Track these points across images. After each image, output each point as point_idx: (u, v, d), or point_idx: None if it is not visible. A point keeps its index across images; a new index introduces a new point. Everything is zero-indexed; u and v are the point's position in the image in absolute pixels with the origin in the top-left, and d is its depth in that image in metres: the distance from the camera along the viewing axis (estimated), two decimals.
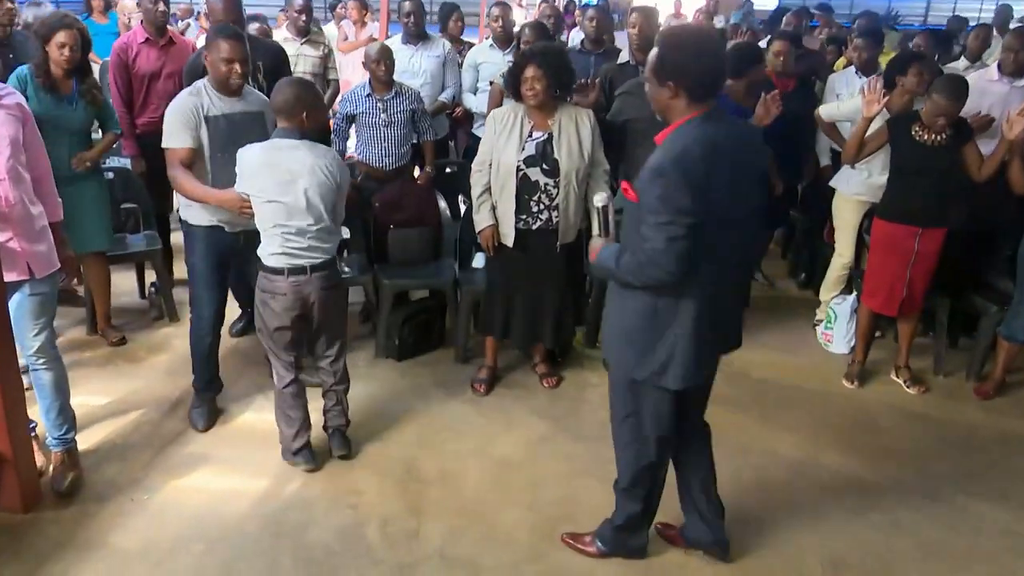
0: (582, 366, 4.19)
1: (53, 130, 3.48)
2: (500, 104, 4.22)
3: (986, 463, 3.55)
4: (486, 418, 3.72)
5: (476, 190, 3.64)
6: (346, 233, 4.21)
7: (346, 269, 4.25)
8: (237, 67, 3.25)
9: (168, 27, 4.65)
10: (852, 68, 5.01)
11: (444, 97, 5.28)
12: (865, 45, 4.92)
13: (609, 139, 3.70)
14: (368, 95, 4.40)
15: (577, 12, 8.29)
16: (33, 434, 3.11)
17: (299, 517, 3.00)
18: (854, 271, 4.49)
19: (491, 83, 4.93)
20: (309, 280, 3.06)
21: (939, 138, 3.76)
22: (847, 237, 4.46)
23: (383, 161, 4.48)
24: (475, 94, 5.28)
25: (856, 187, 4.33)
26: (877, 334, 4.40)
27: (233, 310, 3.97)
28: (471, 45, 6.04)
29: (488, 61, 5.23)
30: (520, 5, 10.19)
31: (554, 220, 3.59)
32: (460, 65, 5.39)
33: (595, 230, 2.73)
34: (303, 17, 5.23)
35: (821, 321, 4.61)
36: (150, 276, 4.67)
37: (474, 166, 3.66)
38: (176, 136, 3.24)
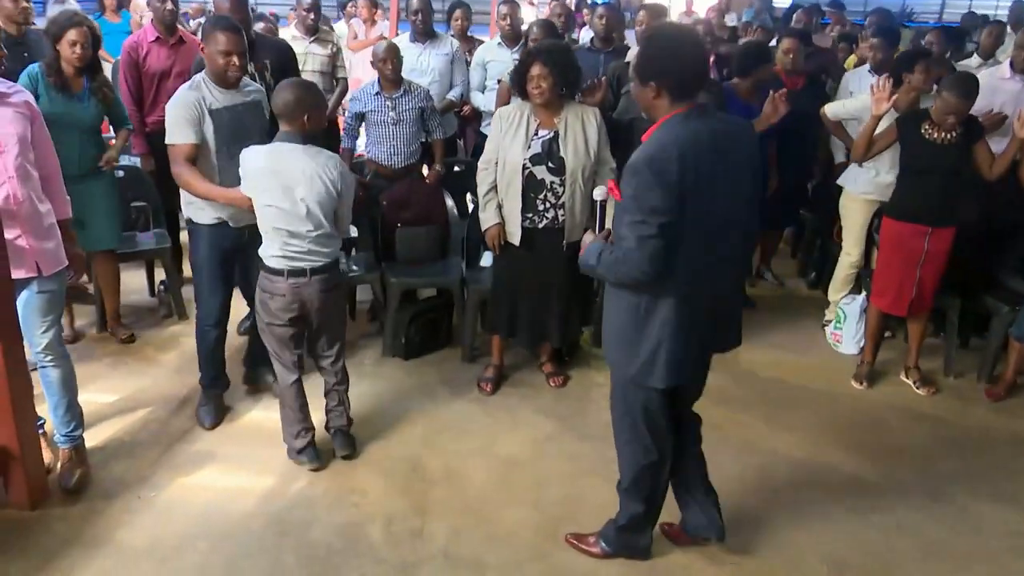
0: (589, 365, 4.18)
1: (64, 128, 3.50)
2: (508, 102, 4.21)
3: (993, 464, 3.51)
4: (492, 417, 3.72)
5: (482, 188, 3.63)
6: (354, 231, 4.21)
7: (353, 267, 4.26)
8: (235, 59, 3.20)
9: (179, 26, 4.67)
10: (866, 67, 4.87)
11: (452, 95, 5.28)
12: (880, 45, 4.81)
13: (616, 137, 3.68)
14: (377, 93, 4.40)
15: (586, 11, 8.25)
16: (41, 431, 3.13)
17: (303, 515, 3.01)
18: (863, 270, 4.45)
19: (499, 81, 4.92)
20: (309, 283, 3.06)
21: (949, 136, 3.73)
22: (854, 236, 4.42)
23: (392, 159, 4.47)
24: (483, 92, 5.27)
25: (864, 186, 4.29)
26: (887, 334, 4.37)
27: (240, 308, 3.99)
28: (481, 43, 6.03)
29: (496, 59, 5.21)
30: (531, 3, 10.15)
31: (560, 219, 3.58)
32: (468, 63, 5.39)
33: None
34: (312, 15, 5.23)
35: (830, 321, 4.57)
36: (160, 274, 4.70)
37: (480, 164, 3.65)
38: (179, 132, 3.19)
